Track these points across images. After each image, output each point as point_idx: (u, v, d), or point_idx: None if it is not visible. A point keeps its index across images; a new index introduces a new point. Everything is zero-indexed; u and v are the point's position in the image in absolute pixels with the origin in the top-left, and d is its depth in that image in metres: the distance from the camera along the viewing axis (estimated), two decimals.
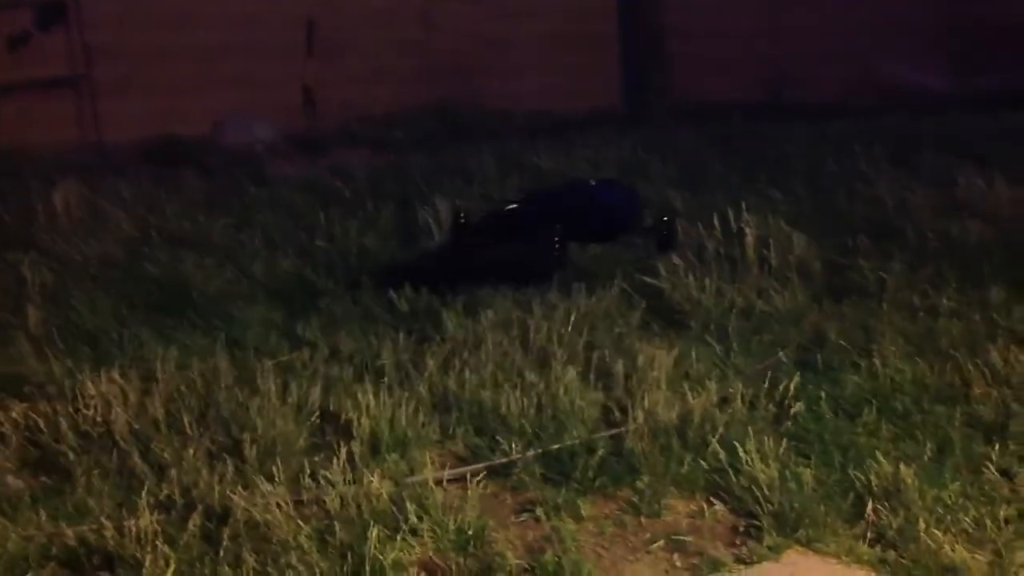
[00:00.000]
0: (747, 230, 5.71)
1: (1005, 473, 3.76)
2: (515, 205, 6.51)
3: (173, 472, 3.76)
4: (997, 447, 3.88)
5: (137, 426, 4.09)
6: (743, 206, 6.12)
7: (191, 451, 3.90)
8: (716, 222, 5.90)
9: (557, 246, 5.82)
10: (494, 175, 7.94)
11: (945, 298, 5.09)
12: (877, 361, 4.50)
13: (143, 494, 3.61)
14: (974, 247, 5.91)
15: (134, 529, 3.40)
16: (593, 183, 6.94)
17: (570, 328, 4.81)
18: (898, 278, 5.33)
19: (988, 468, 3.75)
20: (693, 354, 4.66)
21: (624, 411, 4.25)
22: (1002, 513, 3.52)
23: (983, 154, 7.96)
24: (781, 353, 4.68)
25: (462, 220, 6.21)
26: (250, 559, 3.28)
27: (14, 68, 9.51)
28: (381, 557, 3.28)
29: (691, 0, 12.30)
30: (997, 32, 13.39)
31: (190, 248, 6.32)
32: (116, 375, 4.41)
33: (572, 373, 4.46)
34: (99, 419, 4.14)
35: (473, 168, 8.27)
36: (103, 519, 3.51)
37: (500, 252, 6.09)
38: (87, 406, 4.19)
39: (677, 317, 5.16)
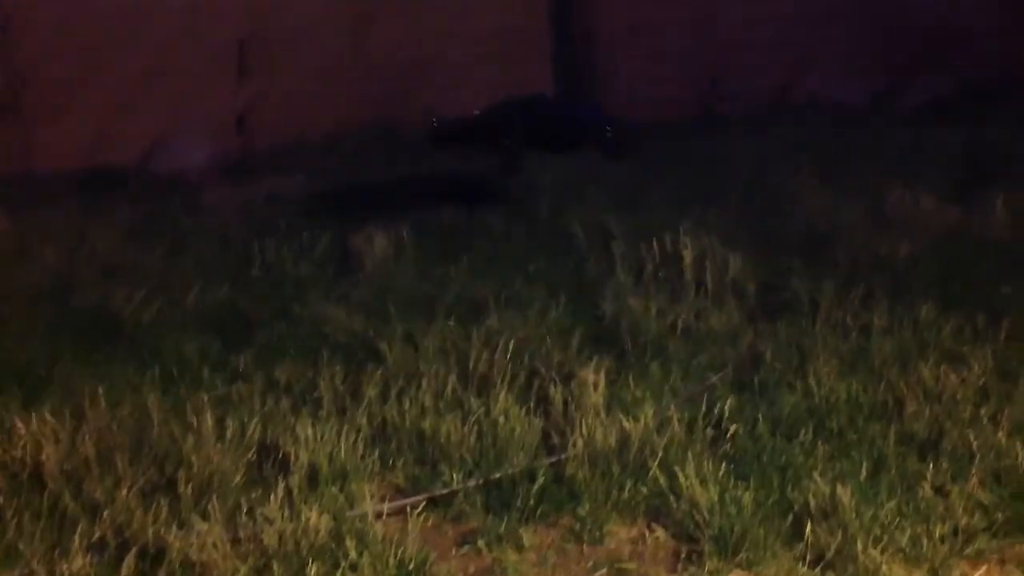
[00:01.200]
0: (684, 252, 5.74)
1: (939, 491, 3.82)
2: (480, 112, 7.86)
3: (106, 512, 3.69)
4: (931, 464, 3.94)
5: (68, 466, 4.01)
6: (679, 227, 6.16)
7: (124, 490, 3.84)
8: (654, 244, 5.92)
9: (512, 150, 6.62)
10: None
11: (877, 316, 5.17)
12: (812, 381, 4.55)
13: (75, 536, 3.55)
14: (903, 264, 6.00)
15: (67, 572, 3.34)
16: (552, 98, 8.93)
17: (509, 354, 4.80)
18: (830, 297, 5.39)
19: (923, 486, 3.81)
20: (631, 377, 4.68)
21: (563, 436, 4.26)
22: (937, 531, 3.57)
23: (909, 169, 8.10)
24: (718, 376, 4.71)
25: (435, 124, 7.67)
26: None
27: None
28: None
29: (622, 14, 12.39)
30: (920, 45, 13.68)
31: (121, 279, 6.21)
32: (46, 413, 4.31)
33: (511, 400, 4.45)
34: (28, 459, 4.05)
35: (411, 191, 8.22)
36: (34, 563, 3.44)
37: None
38: (16, 446, 4.09)
39: (616, 341, 5.17)
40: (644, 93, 12.51)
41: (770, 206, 7.42)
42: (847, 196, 7.47)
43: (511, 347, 4.85)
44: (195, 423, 4.25)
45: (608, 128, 8.68)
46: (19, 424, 4.21)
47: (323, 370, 4.80)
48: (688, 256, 5.73)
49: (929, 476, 3.86)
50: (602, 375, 4.59)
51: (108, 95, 10.20)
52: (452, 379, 4.65)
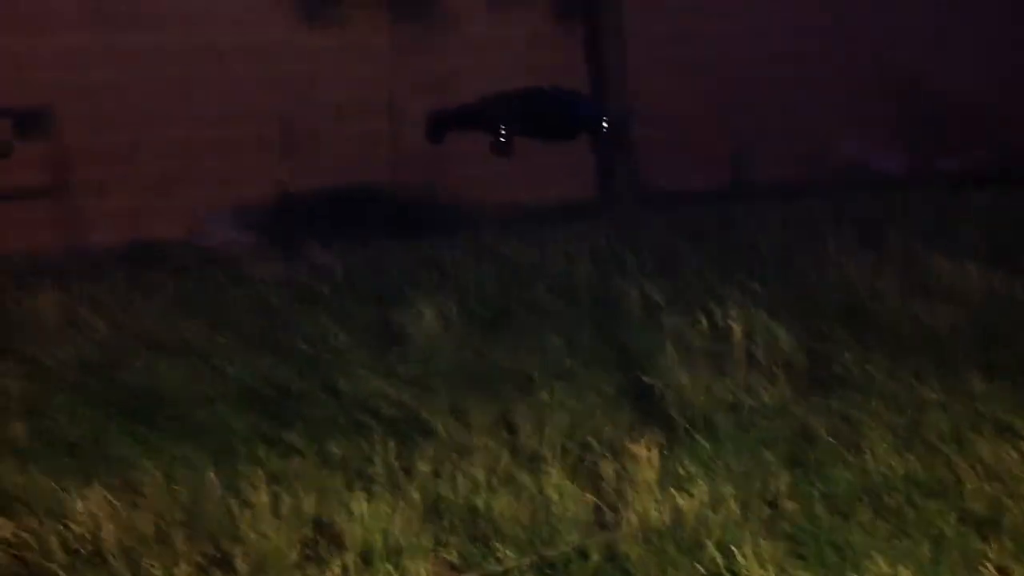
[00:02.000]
0: (733, 325, 5.74)
1: (1002, 571, 3.76)
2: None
3: None
4: (993, 544, 3.88)
5: (126, 542, 4.02)
6: (725, 299, 6.17)
7: (181, 566, 3.83)
8: (700, 315, 5.93)
9: (503, 137, 7.31)
10: (469, 268, 7.96)
11: (928, 389, 5.14)
12: (868, 457, 4.51)
13: None
14: (949, 333, 5.98)
15: None
16: (550, 89, 9.39)
17: (559, 429, 4.79)
18: (880, 370, 5.37)
19: (985, 566, 3.75)
20: (683, 453, 4.66)
21: (616, 513, 4.23)
22: None
23: (949, 236, 8.10)
24: (771, 452, 4.68)
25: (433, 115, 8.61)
26: None
27: None
28: None
29: (652, 87, 12.52)
30: (955, 113, 13.74)
31: (167, 352, 6.28)
32: (103, 490, 4.33)
33: (563, 475, 4.44)
34: (88, 535, 4.06)
35: (447, 262, 8.30)
36: None
37: None
38: (75, 522, 4.11)
39: (666, 415, 5.15)
40: (677, 158, 12.63)
41: (811, 274, 7.43)
42: (889, 264, 7.47)
43: (561, 421, 4.85)
44: (250, 498, 4.26)
45: (604, 120, 9.17)
46: (77, 501, 4.23)
47: (375, 445, 4.80)
48: (737, 329, 5.72)
49: (991, 556, 3.80)
50: (654, 450, 4.57)
51: (153, 169, 10.40)
52: (503, 454, 4.64)
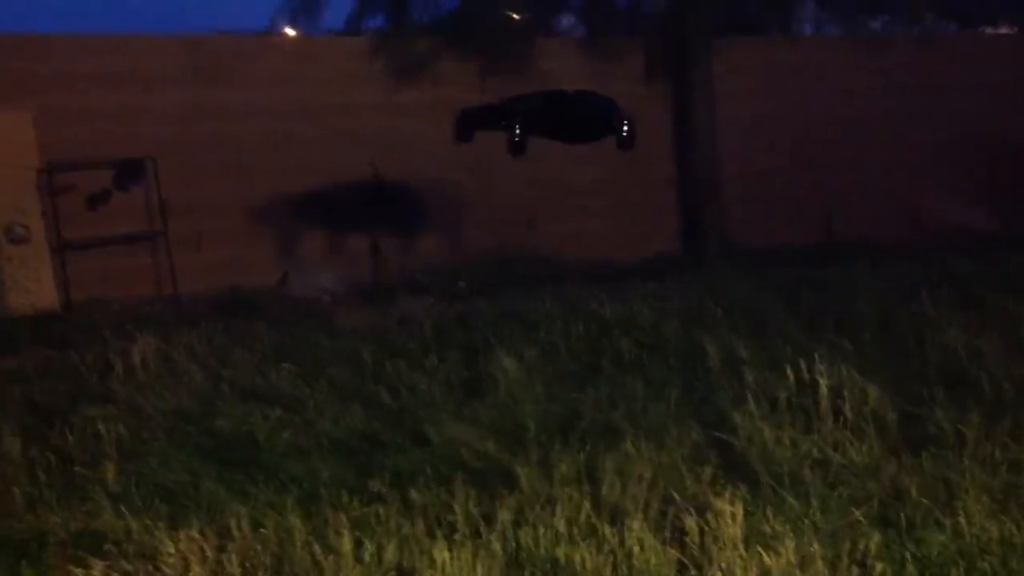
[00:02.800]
0: (820, 380, 5.65)
1: None
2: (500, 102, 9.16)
3: None
4: None
5: None
6: (812, 355, 6.08)
7: None
8: (788, 372, 5.85)
9: (517, 136, 8.51)
10: (559, 323, 7.98)
11: None
12: (962, 518, 4.38)
13: None
14: None
15: None
16: (572, 92, 9.60)
17: (643, 482, 4.76)
18: (976, 430, 5.23)
19: None
20: (768, 510, 4.58)
21: (700, 569, 4.17)
22: None
23: None
24: (860, 511, 4.58)
25: (462, 113, 9.23)
26: None
27: (95, 225, 9.88)
28: None
29: (741, 144, 12.51)
30: None
31: (260, 401, 6.39)
32: (194, 532, 4.43)
33: (645, 529, 4.40)
34: None
35: (536, 316, 8.34)
36: None
37: None
38: (165, 564, 4.20)
39: (750, 471, 5.08)
40: (766, 216, 12.56)
41: (906, 334, 7.28)
42: (986, 325, 7.30)
43: (645, 474, 4.82)
44: (334, 545, 4.31)
45: (625, 122, 9.54)
46: (168, 543, 4.32)
47: (457, 493, 4.82)
48: (824, 385, 5.63)
49: None
50: (739, 506, 4.51)
51: (246, 221, 10.69)
52: (586, 506, 4.62)
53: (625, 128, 9.68)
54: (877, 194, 13.24)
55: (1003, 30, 16.27)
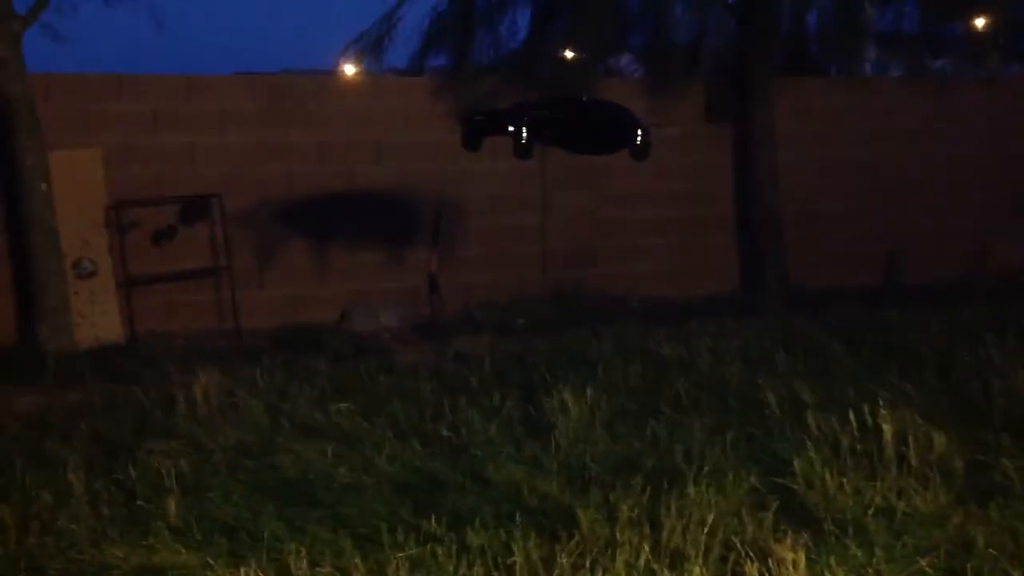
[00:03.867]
0: (884, 426, 5.57)
1: None
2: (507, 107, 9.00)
3: None
4: None
5: None
6: (877, 399, 6.01)
7: None
8: (851, 417, 5.77)
9: (524, 139, 8.44)
10: (617, 363, 7.95)
11: None
12: None
13: None
14: None
15: None
16: (586, 99, 9.40)
17: (703, 527, 4.71)
18: None
19: None
20: (831, 558, 4.51)
21: None
22: None
23: None
24: (926, 560, 4.49)
25: (467, 120, 9.19)
26: None
27: (160, 260, 10.06)
28: None
29: (801, 185, 12.42)
30: None
31: (319, 437, 6.43)
32: (252, 570, 4.45)
33: (706, 574, 4.35)
34: None
35: (594, 355, 8.32)
36: None
37: None
38: None
39: (812, 517, 5.01)
40: (828, 257, 12.44)
41: (970, 378, 7.16)
42: None
43: (705, 518, 4.77)
44: None
45: (639, 131, 9.20)
46: None
47: (515, 535, 4.80)
48: (888, 430, 5.55)
49: None
50: (800, 553, 4.44)
51: (306, 258, 10.82)
52: (646, 550, 4.58)
53: (640, 137, 9.34)
54: (942, 237, 13.06)
55: None
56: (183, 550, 4.82)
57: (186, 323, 10.06)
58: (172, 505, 5.31)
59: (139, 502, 5.43)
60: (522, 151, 8.90)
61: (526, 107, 9.17)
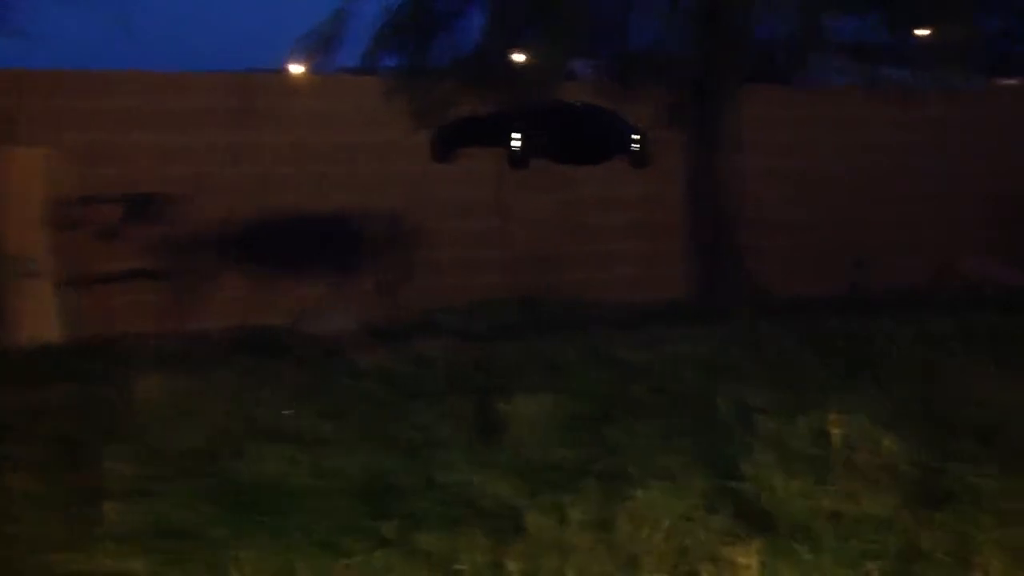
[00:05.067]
0: (833, 430, 5.58)
1: None
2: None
3: None
4: None
5: None
6: (830, 405, 6.01)
7: None
8: (802, 422, 5.78)
9: (519, 147, 7.21)
10: (576, 368, 7.94)
11: None
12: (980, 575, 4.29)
13: None
14: None
15: None
16: (578, 104, 8.45)
17: (657, 531, 4.68)
18: (995, 484, 5.13)
19: None
20: (782, 563, 4.50)
21: None
22: None
23: None
24: (875, 564, 4.49)
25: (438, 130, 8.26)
26: None
27: (113, 260, 9.93)
28: None
29: (763, 193, 12.46)
30: None
31: (276, 441, 6.36)
32: None
33: None
34: None
35: (555, 361, 8.30)
36: None
37: None
38: None
39: (763, 520, 5.00)
40: (792, 268, 12.49)
41: (929, 388, 7.20)
42: (1013, 381, 7.20)
43: (659, 523, 4.74)
44: None
45: (635, 138, 8.48)
46: None
47: (464, 540, 4.76)
48: (837, 434, 5.56)
49: None
50: (754, 558, 4.43)
51: (262, 260, 10.74)
52: (599, 555, 4.55)
53: (637, 144, 8.84)
54: (904, 246, 13.15)
55: None
56: (129, 556, 4.74)
57: (131, 324, 9.93)
58: (120, 510, 5.24)
59: (86, 507, 5.35)
60: (517, 160, 8.19)
61: (509, 114, 8.54)
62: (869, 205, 13.24)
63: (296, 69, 11.59)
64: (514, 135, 8.20)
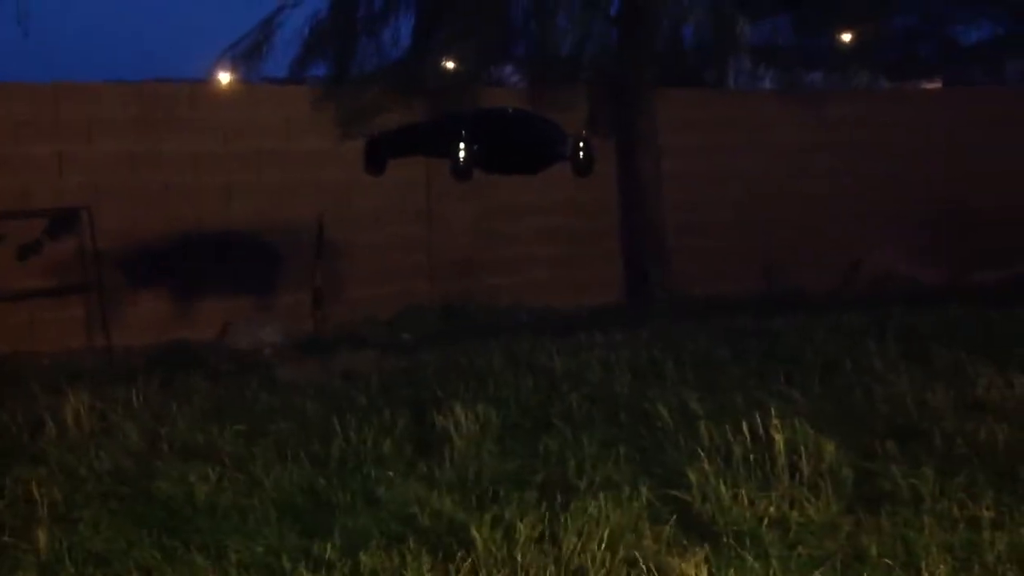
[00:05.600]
0: (775, 435, 5.59)
1: None
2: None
3: None
4: None
5: None
6: (767, 409, 6.03)
7: None
8: (743, 427, 5.78)
9: (463, 156, 7.40)
10: (507, 377, 7.85)
11: (984, 508, 4.94)
12: None
13: None
14: (1003, 451, 5.78)
15: None
16: (513, 111, 8.39)
17: (603, 543, 4.63)
18: (932, 486, 5.19)
19: None
20: (731, 571, 4.48)
21: None
22: None
23: (995, 350, 7.94)
24: (820, 570, 4.50)
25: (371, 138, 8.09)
26: None
27: (24, 276, 9.58)
28: None
29: (680, 196, 12.54)
30: (992, 227, 13.70)
31: (201, 460, 6.15)
32: None
33: None
34: None
35: (484, 369, 8.20)
36: None
37: None
38: None
39: (708, 530, 4.98)
40: (710, 269, 12.60)
41: (854, 386, 7.28)
42: (934, 377, 7.33)
43: (604, 535, 4.69)
44: None
45: (580, 144, 8.40)
46: None
47: (408, 559, 4.64)
48: (779, 440, 5.57)
49: None
50: (703, 568, 4.40)
51: (182, 273, 10.45)
52: (548, 568, 4.47)
53: (582, 151, 8.40)
54: (817, 246, 13.35)
55: (936, 84, 16.63)
56: None
57: (53, 341, 9.60)
58: (41, 536, 5.00)
59: (5, 535, 5.10)
60: (461, 170, 7.89)
61: (442, 123, 8.29)
62: (782, 205, 13.41)
63: (220, 77, 11.38)
64: (460, 145, 7.67)
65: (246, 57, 11.44)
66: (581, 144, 8.28)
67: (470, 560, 4.58)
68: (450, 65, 11.42)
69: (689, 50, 13.20)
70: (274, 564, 4.77)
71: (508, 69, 13.25)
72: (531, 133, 8.51)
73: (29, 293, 9.51)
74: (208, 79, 11.57)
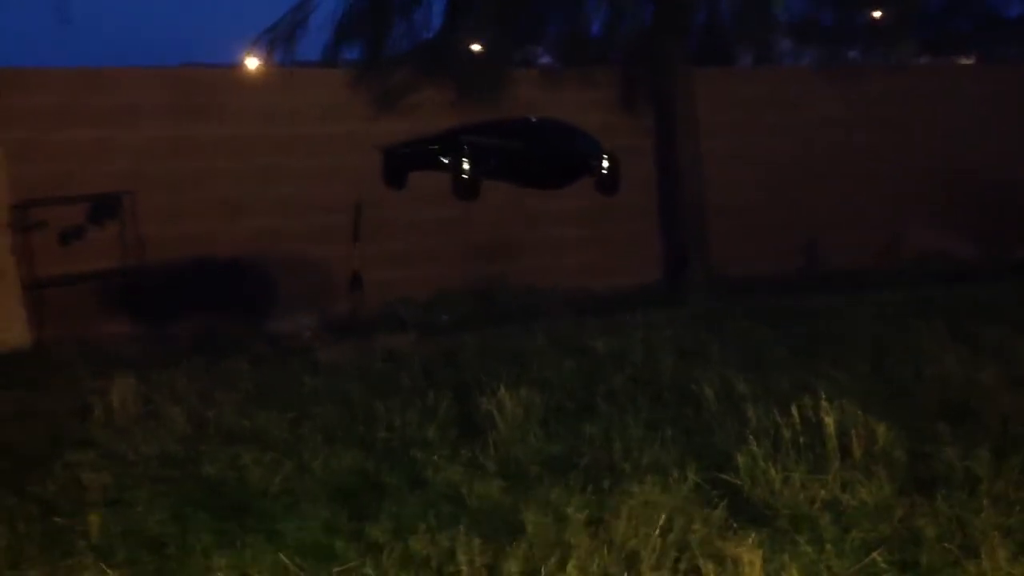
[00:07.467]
0: (826, 418, 5.52)
1: None
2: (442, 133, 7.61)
3: None
4: None
5: None
6: (815, 390, 5.97)
7: None
8: (793, 410, 5.71)
9: (466, 174, 6.82)
10: (550, 359, 7.83)
11: None
12: (984, 561, 4.25)
13: None
14: None
15: None
16: (537, 120, 8.02)
17: (655, 527, 4.59)
18: (987, 467, 5.12)
19: None
20: (784, 554, 4.44)
21: None
22: None
23: None
24: (877, 553, 4.45)
25: (388, 152, 7.61)
26: None
27: (67, 261, 9.63)
28: None
29: (718, 174, 12.43)
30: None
31: (247, 444, 6.18)
32: None
33: None
34: None
35: (524, 351, 8.18)
36: None
37: None
38: None
39: (759, 513, 4.93)
40: (749, 248, 12.50)
41: (902, 366, 7.21)
42: (982, 355, 7.24)
43: (656, 518, 4.65)
44: None
45: (604, 159, 8.01)
46: None
47: (460, 541, 4.63)
48: (830, 422, 5.50)
49: None
50: (757, 551, 4.36)
51: (225, 253, 10.49)
52: (600, 553, 4.45)
53: (606, 168, 8.12)
54: (856, 223, 13.23)
55: (973, 60, 16.41)
56: (107, 569, 4.55)
57: (97, 327, 9.65)
58: (94, 520, 5.03)
59: (58, 518, 5.14)
60: (465, 190, 7.41)
61: (464, 133, 7.76)
62: (821, 183, 13.28)
63: (253, 62, 11.38)
64: (463, 160, 7.21)
65: (282, 40, 11.40)
66: (604, 159, 7.79)
67: (522, 544, 4.56)
68: (481, 46, 11.35)
69: (725, 27, 13.05)
70: (328, 547, 4.78)
71: (541, 50, 13.17)
72: (557, 144, 8.15)
73: (72, 278, 9.57)
74: (242, 64, 11.57)
